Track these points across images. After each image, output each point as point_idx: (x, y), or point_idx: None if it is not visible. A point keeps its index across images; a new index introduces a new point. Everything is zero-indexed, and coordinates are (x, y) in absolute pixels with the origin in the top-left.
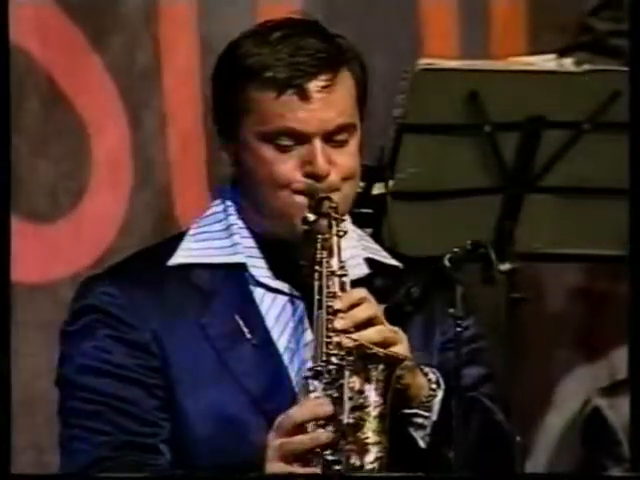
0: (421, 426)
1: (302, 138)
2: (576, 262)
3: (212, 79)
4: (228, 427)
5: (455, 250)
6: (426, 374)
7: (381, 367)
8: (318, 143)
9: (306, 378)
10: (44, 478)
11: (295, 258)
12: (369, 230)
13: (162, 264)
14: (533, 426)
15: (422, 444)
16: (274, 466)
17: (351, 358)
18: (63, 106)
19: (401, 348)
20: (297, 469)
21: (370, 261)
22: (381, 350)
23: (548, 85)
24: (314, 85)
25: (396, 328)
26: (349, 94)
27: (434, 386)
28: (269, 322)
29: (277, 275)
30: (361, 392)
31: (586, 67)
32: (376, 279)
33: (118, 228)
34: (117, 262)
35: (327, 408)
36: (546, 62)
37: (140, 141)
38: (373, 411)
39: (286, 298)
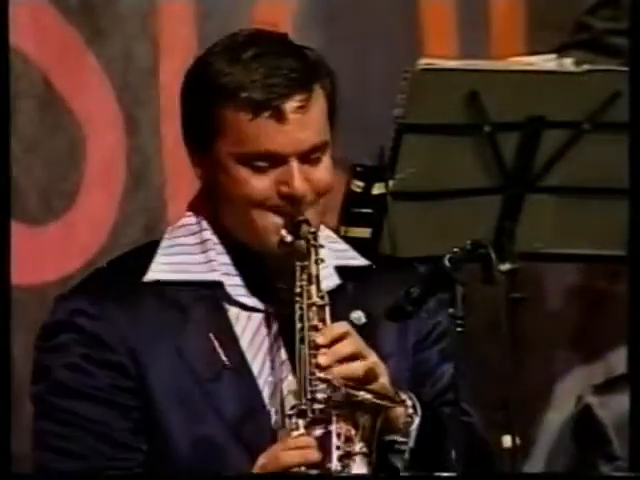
0: (399, 451)
1: (278, 159)
2: (576, 262)
3: (181, 96)
4: (206, 450)
5: (455, 250)
6: (403, 401)
7: (367, 415)
8: (295, 164)
9: (289, 416)
10: (44, 478)
11: (270, 275)
12: (368, 230)
13: (137, 278)
14: (532, 425)
15: (401, 469)
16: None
17: (338, 400)
18: (58, 107)
19: (383, 380)
20: None
21: (340, 268)
22: (370, 398)
23: (548, 85)
24: (289, 106)
25: (376, 359)
26: (322, 111)
27: (410, 411)
28: (244, 343)
29: (252, 292)
30: (348, 440)
31: (586, 67)
32: (349, 285)
33: (110, 230)
34: (90, 275)
35: (317, 455)
36: (546, 62)
37: (135, 142)
38: (359, 457)
39: (261, 315)
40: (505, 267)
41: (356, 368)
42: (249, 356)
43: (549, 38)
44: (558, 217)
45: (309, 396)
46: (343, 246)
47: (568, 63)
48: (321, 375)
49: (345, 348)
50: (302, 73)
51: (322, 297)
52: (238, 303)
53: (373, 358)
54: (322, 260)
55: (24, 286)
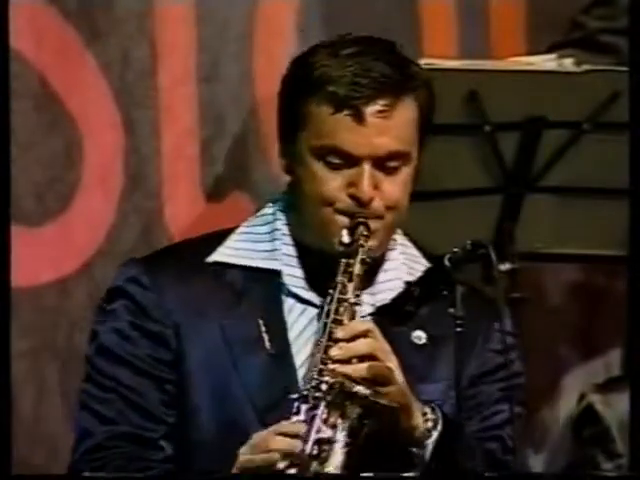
0: (411, 463)
1: (352, 160)
2: (576, 262)
3: (280, 87)
4: (231, 433)
5: (455, 250)
6: (425, 414)
7: (358, 409)
8: (367, 167)
9: (293, 400)
10: (44, 478)
11: (331, 273)
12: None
13: (201, 259)
14: (532, 424)
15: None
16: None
17: (330, 393)
18: (55, 107)
19: (393, 389)
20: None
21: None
22: (362, 390)
23: (548, 85)
24: (371, 109)
25: (394, 367)
26: (409, 121)
27: (430, 425)
28: (292, 334)
29: (311, 286)
30: (333, 427)
31: (586, 67)
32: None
33: (106, 232)
34: (159, 250)
35: (293, 445)
36: (546, 62)
37: (133, 143)
38: (340, 448)
39: (315, 311)
40: (505, 267)
41: (365, 368)
42: (294, 348)
43: (549, 38)
44: (558, 217)
45: (314, 384)
46: (418, 263)
47: (568, 63)
48: (330, 367)
49: (362, 347)
50: (393, 80)
51: (357, 296)
52: (293, 294)
53: (390, 363)
54: (367, 262)
55: (20, 288)
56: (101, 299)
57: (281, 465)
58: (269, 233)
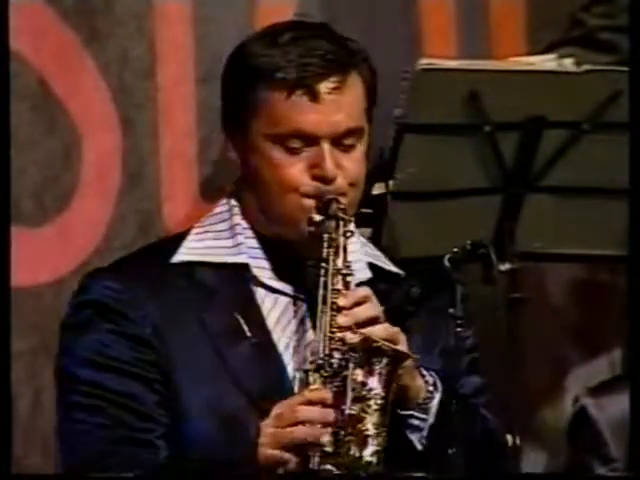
0: (418, 428)
1: (311, 140)
2: (576, 262)
3: (222, 81)
4: (225, 424)
5: (455, 250)
6: (424, 376)
7: (385, 361)
8: (327, 146)
9: (306, 371)
10: (44, 478)
11: (299, 259)
12: (368, 230)
13: (165, 261)
14: (532, 425)
15: (419, 446)
16: (269, 452)
17: (355, 353)
18: (54, 108)
19: (403, 347)
20: (292, 457)
21: (372, 266)
22: (387, 344)
23: (548, 85)
24: (324, 86)
25: (397, 329)
26: (358, 97)
27: (431, 388)
28: (270, 323)
29: (280, 276)
30: (364, 384)
31: (586, 67)
32: (378, 284)
33: (104, 232)
34: (120, 258)
35: (333, 414)
36: (546, 62)
37: (131, 144)
38: (374, 404)
39: (288, 299)
40: (505, 267)
41: (378, 330)
42: (275, 336)
43: (549, 37)
44: (558, 217)
45: (327, 352)
46: (376, 252)
47: (568, 63)
48: (340, 335)
49: (366, 311)
50: (339, 56)
51: (348, 267)
52: (265, 285)
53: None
54: (351, 233)
55: (18, 288)
56: (67, 315)
57: (321, 436)
58: (229, 230)
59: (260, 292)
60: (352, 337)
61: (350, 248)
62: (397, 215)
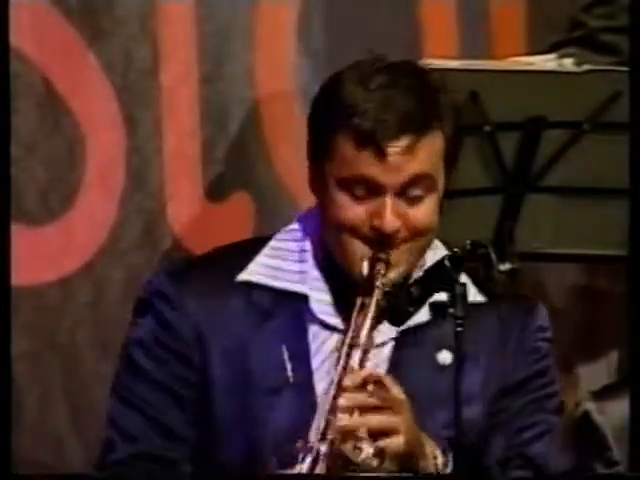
0: None
1: (376, 189)
2: (576, 262)
3: (310, 111)
4: (250, 457)
5: (455, 250)
6: (435, 457)
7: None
8: (389, 198)
9: (297, 451)
10: (44, 478)
11: (354, 298)
12: None
13: (230, 275)
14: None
15: None
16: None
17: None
18: (58, 107)
19: (400, 440)
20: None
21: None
22: (362, 457)
23: (548, 85)
24: (393, 148)
25: (402, 416)
26: (434, 152)
27: (440, 467)
28: (315, 362)
29: (338, 312)
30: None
31: (586, 67)
32: (439, 322)
33: (109, 231)
34: (189, 261)
35: None
36: (546, 62)
37: (135, 143)
38: None
39: (340, 336)
40: (505, 267)
41: (372, 420)
42: (317, 376)
43: (549, 38)
44: (558, 217)
45: (319, 437)
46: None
47: (568, 63)
48: (335, 418)
49: (369, 398)
50: (419, 116)
51: (370, 338)
52: (319, 320)
53: (399, 414)
54: (382, 305)
55: (22, 287)
56: (135, 305)
57: None
58: (298, 252)
59: (313, 328)
60: (344, 422)
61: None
62: None
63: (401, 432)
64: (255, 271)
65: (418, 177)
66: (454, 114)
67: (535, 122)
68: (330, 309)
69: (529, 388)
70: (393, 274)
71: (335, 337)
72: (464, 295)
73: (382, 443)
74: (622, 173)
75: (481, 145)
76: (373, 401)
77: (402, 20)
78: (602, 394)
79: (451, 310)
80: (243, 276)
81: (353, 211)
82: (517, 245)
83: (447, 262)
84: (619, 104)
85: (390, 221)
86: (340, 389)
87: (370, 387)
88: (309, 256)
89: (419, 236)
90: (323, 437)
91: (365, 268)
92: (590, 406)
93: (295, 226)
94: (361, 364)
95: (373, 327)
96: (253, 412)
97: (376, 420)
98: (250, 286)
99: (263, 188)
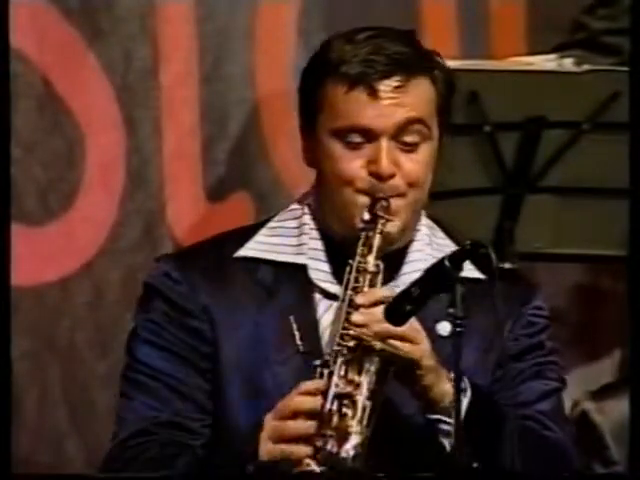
0: (448, 433)
1: (370, 135)
2: (576, 262)
3: (300, 76)
4: (260, 426)
5: (455, 250)
6: (452, 379)
7: (376, 361)
8: (384, 142)
9: (315, 367)
10: (44, 478)
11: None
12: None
13: (230, 254)
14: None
15: (448, 447)
16: (266, 445)
17: (350, 344)
18: (58, 107)
19: (419, 348)
20: (286, 449)
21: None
22: (378, 343)
23: (548, 85)
24: (384, 85)
25: (419, 328)
26: (425, 98)
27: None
28: (322, 327)
29: (338, 280)
30: (351, 381)
31: (586, 67)
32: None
33: (108, 231)
34: (189, 246)
35: (312, 402)
36: (546, 62)
37: (134, 143)
38: (361, 403)
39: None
40: (505, 267)
41: (394, 329)
42: (324, 342)
43: (549, 38)
44: (558, 217)
45: (336, 347)
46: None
47: (568, 63)
48: (351, 332)
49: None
50: (406, 57)
51: (377, 265)
52: (320, 289)
53: (415, 324)
54: (387, 236)
55: (22, 287)
56: (142, 287)
57: (309, 428)
58: (297, 228)
59: (316, 296)
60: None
61: (414, 257)
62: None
63: (422, 340)
64: (253, 247)
65: (411, 121)
66: (445, 71)
67: (535, 122)
68: (330, 277)
69: (527, 358)
70: (394, 220)
71: (336, 306)
72: (464, 295)
73: (411, 347)
74: (622, 173)
75: (481, 145)
76: (393, 329)
77: (402, 20)
78: (601, 394)
79: (451, 310)
80: (241, 252)
81: (350, 162)
82: (517, 245)
83: (447, 262)
84: (619, 104)
85: (386, 164)
86: (353, 307)
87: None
88: (308, 229)
89: (413, 187)
90: (339, 351)
91: (366, 212)
92: (588, 406)
93: (294, 205)
94: (372, 287)
95: (377, 256)
96: (264, 383)
97: (396, 328)
98: (252, 262)
99: (263, 188)
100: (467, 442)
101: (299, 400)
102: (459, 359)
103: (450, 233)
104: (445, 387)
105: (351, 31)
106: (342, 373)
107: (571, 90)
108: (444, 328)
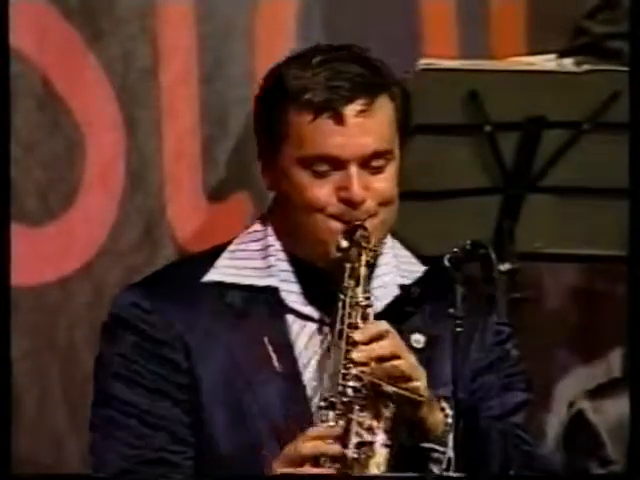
0: (437, 460)
1: (338, 163)
2: (576, 262)
3: (255, 103)
4: (248, 453)
5: (455, 250)
6: (443, 409)
7: (391, 405)
8: (354, 169)
9: (320, 408)
10: (44, 478)
11: (328, 285)
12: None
13: (197, 279)
14: (531, 425)
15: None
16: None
17: (363, 392)
18: (58, 107)
19: (419, 385)
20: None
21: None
22: (392, 388)
23: (548, 85)
24: (350, 109)
25: (413, 362)
26: (387, 120)
27: (450, 420)
28: (297, 350)
29: (309, 301)
30: (369, 428)
31: (586, 67)
32: (406, 303)
33: (108, 231)
34: (152, 272)
35: (334, 448)
36: (546, 62)
37: (134, 143)
38: (379, 448)
39: (315, 325)
40: (505, 267)
41: (392, 367)
42: (301, 364)
43: (549, 38)
44: (558, 217)
45: (340, 389)
46: (411, 266)
47: (568, 63)
48: (353, 371)
49: (383, 347)
50: (367, 79)
51: (367, 298)
52: (293, 310)
53: (411, 360)
54: (373, 263)
55: (22, 287)
56: (104, 324)
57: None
58: (262, 250)
59: (289, 318)
60: (364, 375)
61: (381, 271)
62: (397, 215)
63: (421, 376)
64: (220, 272)
65: (378, 153)
66: (400, 84)
67: (535, 122)
68: (301, 299)
69: (498, 369)
70: (373, 241)
71: (310, 326)
72: (464, 295)
73: (412, 384)
74: (622, 173)
75: (481, 145)
76: (388, 350)
77: (402, 20)
78: (596, 393)
79: (451, 310)
80: (209, 277)
81: (319, 189)
82: (517, 245)
83: (447, 262)
84: (619, 104)
85: (358, 191)
86: (350, 345)
87: (381, 341)
88: (274, 250)
89: (384, 206)
90: (344, 391)
91: (342, 239)
92: (584, 405)
93: (255, 227)
94: (365, 320)
95: (366, 288)
96: (245, 407)
97: (396, 366)
98: (220, 287)
99: (263, 188)
100: (460, 466)
101: (309, 445)
102: (459, 359)
103: (407, 246)
104: (438, 416)
105: (302, 54)
106: (360, 419)
107: (571, 90)
108: (418, 341)
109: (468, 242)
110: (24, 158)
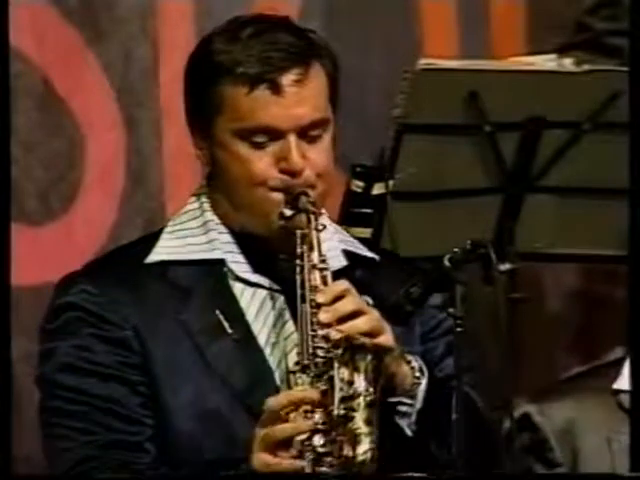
0: (406, 414)
1: (276, 134)
2: (576, 262)
3: (184, 78)
4: (211, 423)
5: (455, 250)
6: (409, 362)
7: (369, 357)
8: (292, 139)
9: (293, 372)
10: (44, 478)
11: (273, 252)
12: (369, 230)
13: (140, 262)
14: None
15: (409, 432)
16: (259, 457)
17: (339, 350)
18: (58, 107)
19: (387, 337)
20: (282, 460)
21: (347, 253)
22: (368, 340)
23: (548, 85)
24: (286, 79)
25: (379, 317)
26: (322, 89)
27: (418, 374)
28: (249, 317)
29: (256, 269)
30: (350, 383)
31: (586, 67)
32: (355, 271)
33: (109, 231)
34: (95, 260)
35: (304, 393)
36: (546, 62)
37: (134, 143)
38: (363, 401)
39: (265, 292)
40: (505, 267)
41: (360, 324)
42: (255, 329)
43: (549, 38)
44: (558, 217)
45: (311, 351)
46: (350, 238)
47: (568, 63)
48: (322, 332)
49: (346, 305)
50: (300, 48)
51: (323, 261)
52: (242, 279)
53: (375, 314)
54: (323, 226)
55: (23, 287)
56: (43, 319)
57: (304, 426)
58: (201, 226)
59: (238, 286)
60: (334, 335)
61: (323, 237)
62: (397, 215)
63: (387, 329)
64: (163, 252)
65: (315, 123)
66: (329, 50)
67: (535, 122)
68: (249, 267)
69: (441, 332)
70: (318, 203)
71: (260, 293)
72: (464, 295)
73: (379, 338)
74: (622, 173)
75: (481, 145)
76: (352, 307)
77: (402, 20)
78: (542, 396)
79: (451, 310)
80: (152, 257)
81: (258, 161)
82: (517, 245)
83: (447, 262)
84: (619, 104)
85: (297, 160)
86: (315, 307)
87: (344, 299)
88: (214, 225)
89: (321, 177)
90: (314, 354)
91: (285, 208)
92: (530, 408)
93: (188, 207)
94: (325, 283)
95: (320, 252)
96: (203, 380)
97: (364, 321)
98: (163, 266)
99: None
100: (427, 421)
101: (285, 396)
102: (458, 359)
103: (406, 244)
104: (405, 369)
105: (230, 27)
106: (341, 376)
107: (571, 90)
108: (366, 302)
109: (468, 242)
110: (24, 158)
